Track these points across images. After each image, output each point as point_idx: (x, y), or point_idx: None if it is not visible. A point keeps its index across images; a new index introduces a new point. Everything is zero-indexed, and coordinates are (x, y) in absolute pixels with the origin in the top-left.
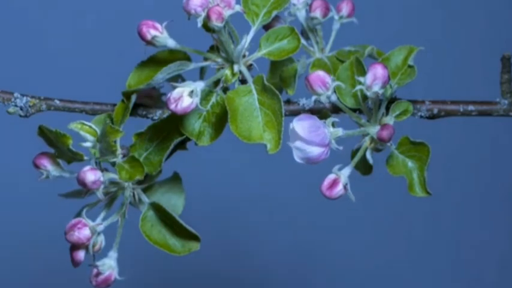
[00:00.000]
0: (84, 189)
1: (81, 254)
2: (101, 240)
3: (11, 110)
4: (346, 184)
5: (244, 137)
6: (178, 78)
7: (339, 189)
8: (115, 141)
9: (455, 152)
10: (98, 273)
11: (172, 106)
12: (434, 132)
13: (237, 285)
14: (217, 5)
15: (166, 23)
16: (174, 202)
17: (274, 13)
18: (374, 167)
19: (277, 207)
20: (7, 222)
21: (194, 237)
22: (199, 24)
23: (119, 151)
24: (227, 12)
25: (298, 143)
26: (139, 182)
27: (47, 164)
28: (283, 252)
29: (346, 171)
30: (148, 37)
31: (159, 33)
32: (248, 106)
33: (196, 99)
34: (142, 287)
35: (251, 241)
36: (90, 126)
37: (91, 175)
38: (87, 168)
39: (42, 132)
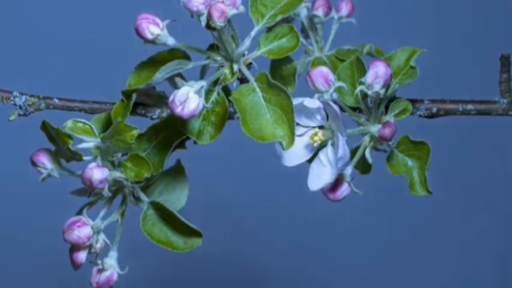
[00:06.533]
0: (89, 189)
1: (82, 256)
2: (102, 238)
3: (11, 118)
4: (351, 180)
5: (257, 137)
6: (178, 77)
7: (344, 188)
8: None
9: (455, 151)
10: (99, 274)
11: (178, 110)
12: (433, 131)
13: (239, 283)
14: (222, 1)
15: (167, 21)
16: (177, 193)
17: (279, 17)
18: (373, 166)
19: (277, 207)
20: (6, 222)
21: (196, 233)
22: (203, 23)
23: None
24: (231, 11)
25: (341, 151)
26: (138, 181)
27: (45, 161)
28: (284, 252)
29: (347, 171)
30: (149, 36)
31: (159, 30)
32: (254, 105)
33: (202, 100)
34: (142, 286)
35: (252, 240)
36: (84, 123)
37: (98, 173)
38: (93, 165)
39: (45, 127)
